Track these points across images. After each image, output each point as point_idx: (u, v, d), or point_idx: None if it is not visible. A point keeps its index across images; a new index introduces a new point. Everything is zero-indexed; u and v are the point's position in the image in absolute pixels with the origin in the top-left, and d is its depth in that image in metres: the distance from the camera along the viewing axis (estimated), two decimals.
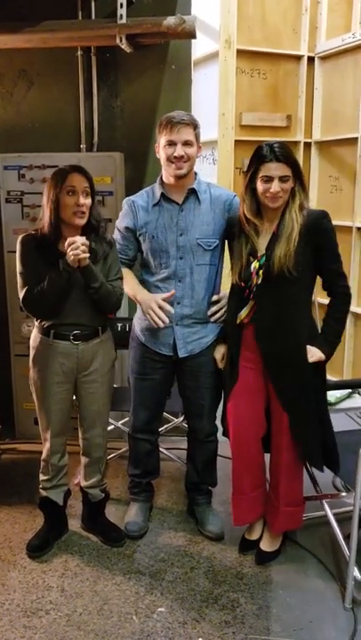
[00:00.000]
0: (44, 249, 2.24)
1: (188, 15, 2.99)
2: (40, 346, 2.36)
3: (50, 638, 2.04)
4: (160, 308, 2.32)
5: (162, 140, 2.35)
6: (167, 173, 2.38)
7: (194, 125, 2.34)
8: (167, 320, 2.34)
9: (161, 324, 2.32)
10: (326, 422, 2.31)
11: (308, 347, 2.20)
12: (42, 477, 2.52)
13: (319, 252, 2.17)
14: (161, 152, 2.37)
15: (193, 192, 2.40)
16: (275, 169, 2.09)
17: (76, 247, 2.13)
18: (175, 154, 2.30)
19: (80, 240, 2.15)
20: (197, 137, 2.36)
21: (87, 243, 2.17)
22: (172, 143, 2.31)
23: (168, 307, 2.32)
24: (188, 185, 2.40)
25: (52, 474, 2.49)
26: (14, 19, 3.03)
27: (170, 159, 2.32)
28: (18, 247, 2.29)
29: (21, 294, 2.28)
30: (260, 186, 2.13)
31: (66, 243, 2.16)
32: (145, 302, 2.38)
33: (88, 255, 2.18)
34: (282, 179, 2.09)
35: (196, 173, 2.45)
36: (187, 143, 2.31)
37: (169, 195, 2.41)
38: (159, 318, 2.32)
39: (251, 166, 2.16)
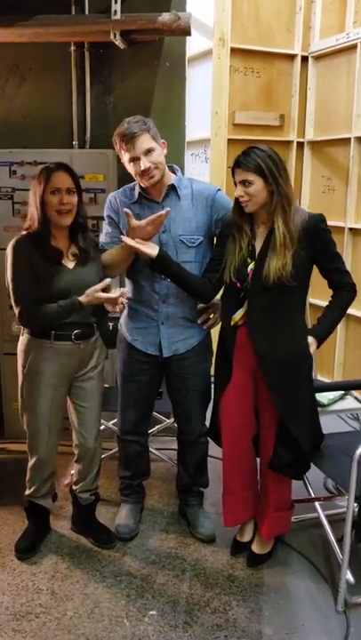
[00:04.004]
0: (39, 246, 2.18)
1: (182, 12, 2.96)
2: (38, 350, 2.28)
3: None
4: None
5: (124, 157, 2.29)
6: (142, 184, 2.32)
7: (147, 129, 2.24)
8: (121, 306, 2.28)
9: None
10: (312, 428, 2.28)
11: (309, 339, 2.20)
12: (31, 489, 2.45)
13: (319, 255, 2.17)
14: (128, 167, 2.30)
15: (172, 188, 2.36)
16: (237, 174, 2.13)
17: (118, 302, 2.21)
18: (142, 168, 2.23)
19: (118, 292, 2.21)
20: (155, 137, 2.27)
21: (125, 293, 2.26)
22: (134, 159, 2.24)
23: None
24: (166, 182, 2.34)
25: (38, 483, 2.43)
26: (6, 12, 2.98)
27: (138, 174, 2.27)
28: (10, 253, 2.19)
29: (17, 310, 2.20)
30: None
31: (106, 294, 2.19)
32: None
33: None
34: (243, 183, 2.10)
35: (176, 169, 2.41)
36: (148, 151, 2.24)
37: (147, 194, 2.36)
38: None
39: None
